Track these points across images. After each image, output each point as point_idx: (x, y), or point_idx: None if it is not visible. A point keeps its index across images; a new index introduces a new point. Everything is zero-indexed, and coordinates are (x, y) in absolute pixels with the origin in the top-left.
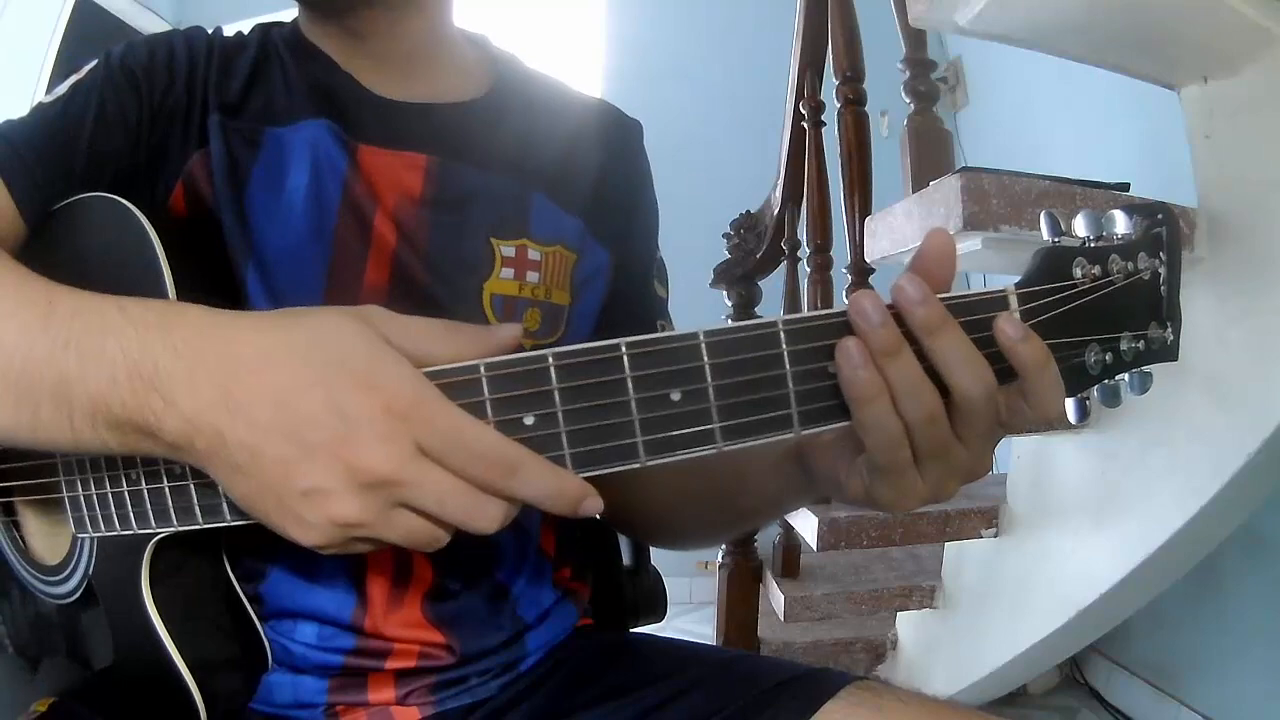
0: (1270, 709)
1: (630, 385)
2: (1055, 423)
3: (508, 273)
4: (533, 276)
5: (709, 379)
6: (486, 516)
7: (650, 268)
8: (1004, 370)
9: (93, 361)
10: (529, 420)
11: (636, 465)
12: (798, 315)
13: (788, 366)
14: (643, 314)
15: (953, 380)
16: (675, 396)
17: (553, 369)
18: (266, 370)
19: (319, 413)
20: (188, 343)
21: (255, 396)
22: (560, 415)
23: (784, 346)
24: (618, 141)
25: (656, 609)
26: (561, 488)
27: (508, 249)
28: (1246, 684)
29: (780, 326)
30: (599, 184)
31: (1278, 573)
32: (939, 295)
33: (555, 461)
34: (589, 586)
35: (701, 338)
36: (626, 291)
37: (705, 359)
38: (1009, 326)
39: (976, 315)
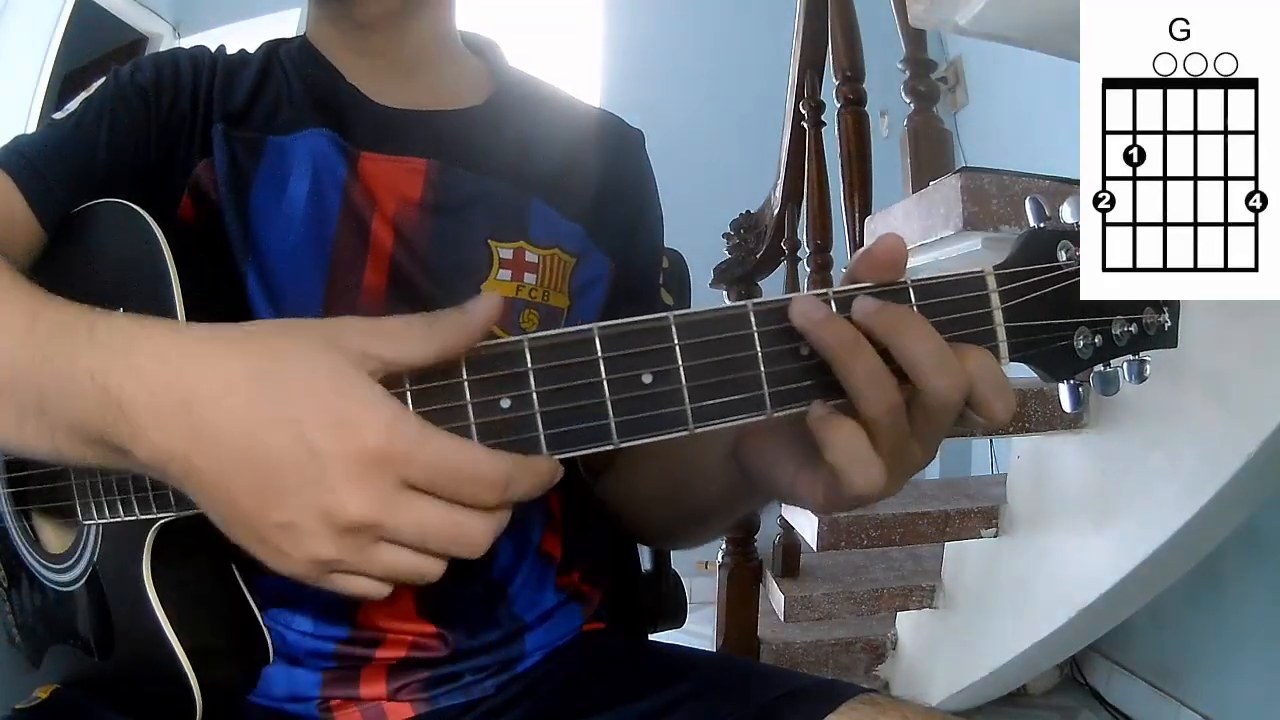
0: (1270, 709)
1: (602, 367)
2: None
3: (505, 274)
4: (530, 278)
5: (680, 360)
6: (472, 543)
7: (657, 276)
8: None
9: (67, 382)
10: (505, 403)
11: (610, 447)
12: (768, 298)
13: (759, 348)
14: None
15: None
16: (647, 379)
17: (528, 352)
18: (229, 401)
19: (288, 449)
20: (150, 369)
21: (221, 429)
22: (535, 397)
23: (754, 328)
24: (619, 151)
25: (676, 614)
26: (542, 479)
27: (505, 251)
28: (1246, 684)
29: (750, 308)
30: (600, 192)
31: (1278, 573)
32: (916, 279)
33: (530, 443)
34: (601, 590)
35: (671, 320)
36: (632, 300)
37: (676, 341)
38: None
39: (951, 296)
